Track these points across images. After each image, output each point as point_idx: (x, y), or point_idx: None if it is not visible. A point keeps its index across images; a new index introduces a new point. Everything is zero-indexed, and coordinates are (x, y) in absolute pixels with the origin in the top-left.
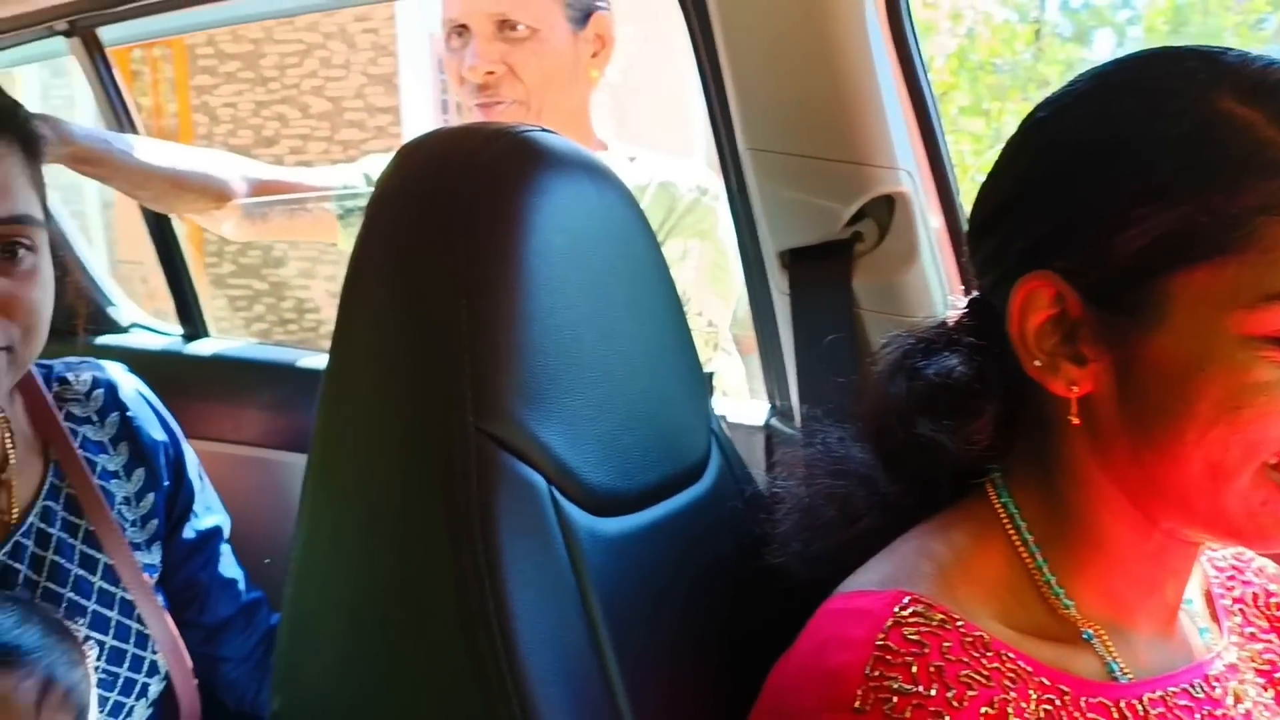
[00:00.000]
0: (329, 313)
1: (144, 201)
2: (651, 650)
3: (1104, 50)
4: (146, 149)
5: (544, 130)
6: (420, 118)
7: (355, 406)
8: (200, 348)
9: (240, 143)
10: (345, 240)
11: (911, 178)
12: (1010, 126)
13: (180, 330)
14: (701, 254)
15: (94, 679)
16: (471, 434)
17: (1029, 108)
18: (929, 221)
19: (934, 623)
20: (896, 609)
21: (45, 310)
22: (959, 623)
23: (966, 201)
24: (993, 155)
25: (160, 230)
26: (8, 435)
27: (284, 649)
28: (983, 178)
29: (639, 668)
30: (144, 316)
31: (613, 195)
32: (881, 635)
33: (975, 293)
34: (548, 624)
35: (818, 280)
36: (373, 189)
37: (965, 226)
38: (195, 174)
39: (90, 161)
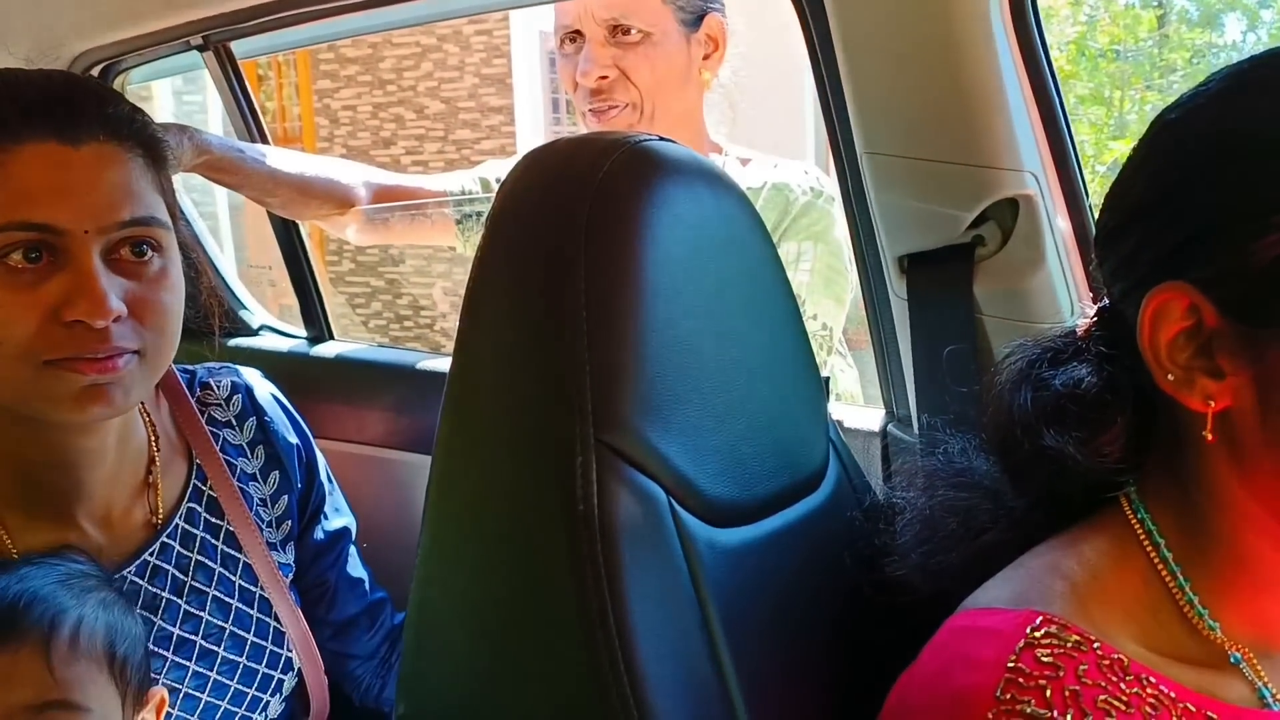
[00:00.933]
0: (442, 309)
1: (272, 208)
2: (769, 662)
3: (1233, 35)
4: (276, 158)
5: (661, 139)
6: (532, 117)
7: (477, 415)
8: (325, 350)
9: (359, 144)
10: (463, 244)
11: (1037, 180)
12: (1132, 115)
13: (305, 333)
14: (815, 256)
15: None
16: (591, 445)
17: (1153, 96)
18: (1056, 225)
19: (1068, 644)
20: (1029, 629)
21: (176, 313)
22: (1095, 644)
23: (1096, 202)
24: (1115, 146)
25: (287, 236)
26: (154, 439)
27: (409, 653)
28: (1104, 169)
29: (757, 680)
30: (273, 319)
31: (730, 202)
32: (1013, 657)
33: (1105, 300)
34: (666, 635)
35: (937, 286)
36: (490, 194)
37: (1094, 230)
38: (320, 181)
39: (224, 170)
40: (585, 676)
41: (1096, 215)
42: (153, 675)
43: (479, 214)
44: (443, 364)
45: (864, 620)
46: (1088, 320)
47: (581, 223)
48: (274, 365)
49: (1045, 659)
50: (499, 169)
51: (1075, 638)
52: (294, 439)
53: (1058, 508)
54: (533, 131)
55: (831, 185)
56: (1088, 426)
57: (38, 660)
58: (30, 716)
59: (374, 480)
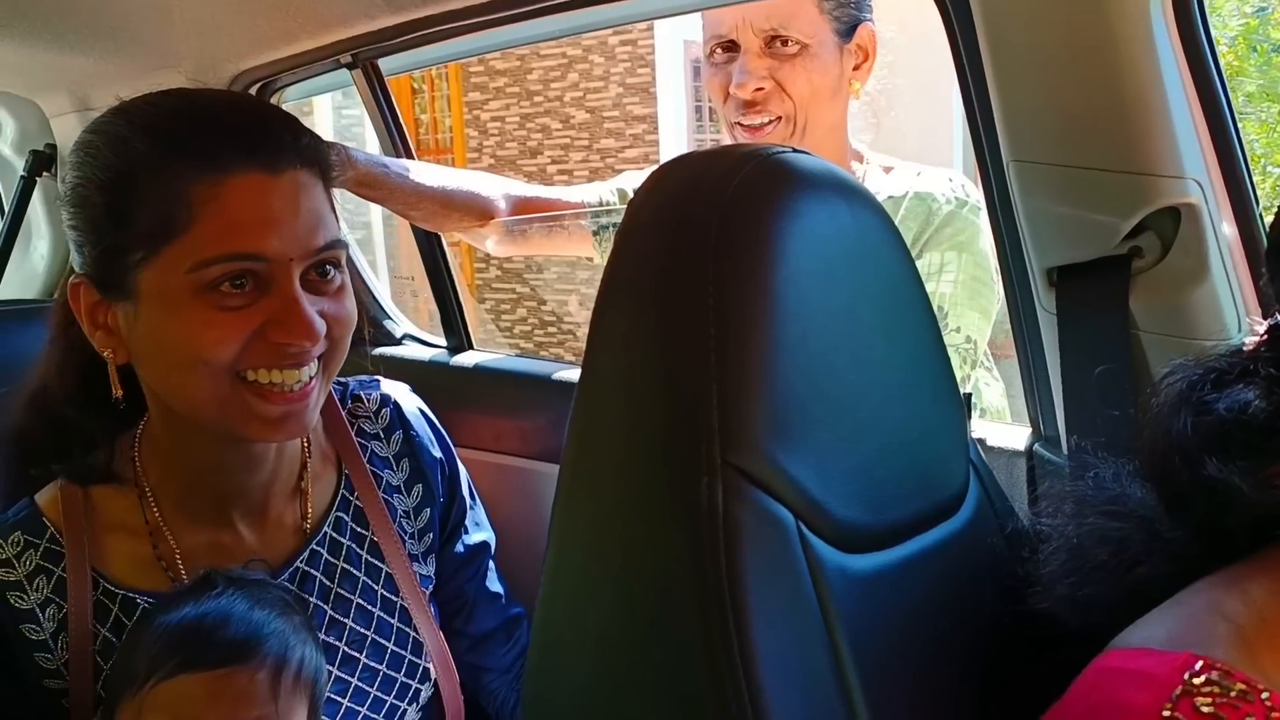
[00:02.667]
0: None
1: (415, 221)
2: (900, 696)
3: None
4: (419, 172)
5: (796, 150)
6: (675, 125)
7: (602, 433)
8: (464, 359)
9: (507, 154)
10: (600, 255)
11: (1200, 186)
12: None
13: (446, 342)
14: (960, 267)
15: (360, 684)
16: (718, 467)
17: None
18: (1221, 233)
19: (1232, 693)
20: (1186, 675)
21: (354, 322)
22: (1263, 694)
23: (1269, 206)
24: None
25: (429, 247)
26: (307, 445)
27: (532, 673)
28: (1278, 170)
29: (886, 715)
30: (415, 329)
31: (866, 214)
32: (1169, 706)
33: (1277, 316)
34: (793, 663)
35: (1089, 300)
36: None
37: (1264, 241)
38: (461, 194)
39: (370, 185)
40: (708, 705)
41: (1268, 223)
42: None
43: (616, 225)
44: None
45: (1004, 655)
46: (1256, 338)
47: (712, 236)
48: (415, 374)
49: (1205, 708)
50: (637, 179)
51: (1240, 686)
52: (438, 453)
53: (1220, 542)
54: (675, 140)
55: (979, 194)
56: (1255, 455)
57: (270, 686)
58: None
59: (509, 490)
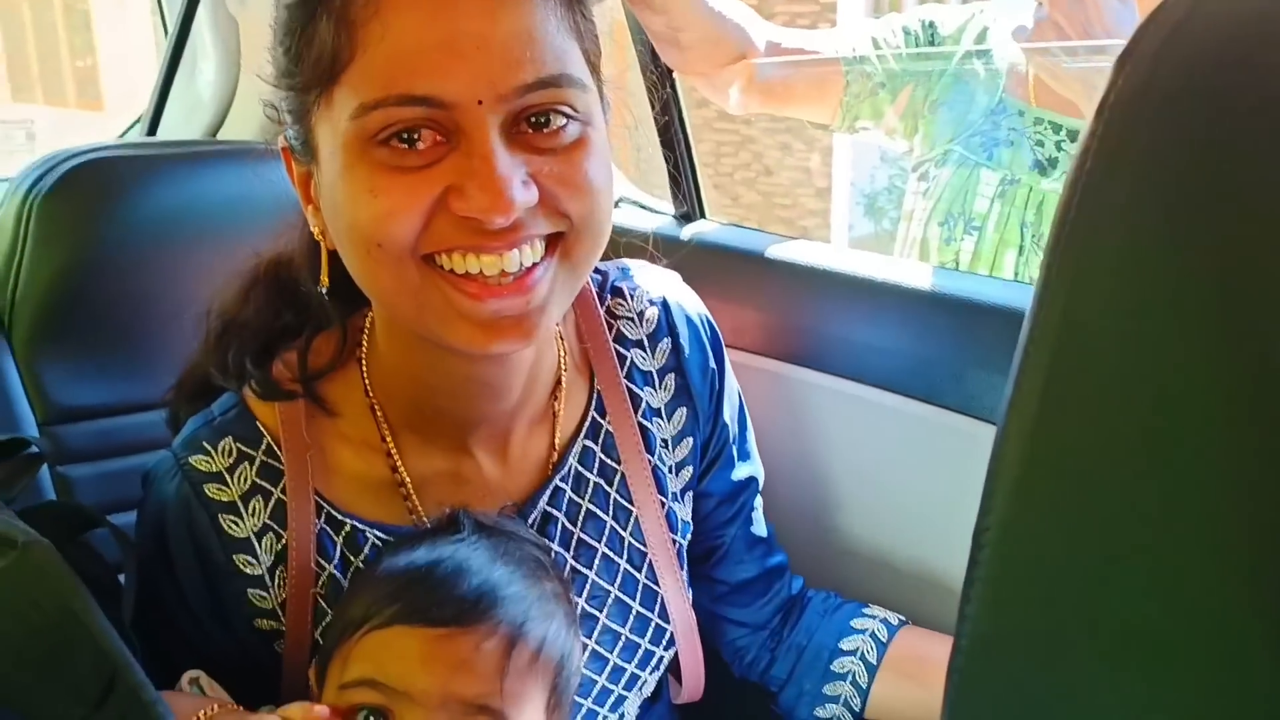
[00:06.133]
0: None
1: (668, 55)
2: None
3: None
4: None
5: None
6: None
7: (1095, 399)
8: (695, 230)
9: None
10: (841, 119)
11: None
12: None
13: (673, 209)
14: None
15: (598, 648)
16: None
17: None
18: None
19: None
20: None
21: (605, 190)
22: None
23: None
24: None
25: (660, 86)
26: (563, 355)
27: (965, 683)
28: None
29: None
30: (634, 191)
31: None
32: None
33: None
34: None
35: None
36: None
37: None
38: (730, 23)
39: (646, 3)
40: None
41: None
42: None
43: (880, 84)
44: (839, 258)
45: None
46: None
47: None
48: (631, 250)
49: None
50: (941, 15)
51: None
52: (712, 365)
53: None
54: None
55: None
56: None
57: (498, 661)
58: (463, 711)
59: (754, 397)
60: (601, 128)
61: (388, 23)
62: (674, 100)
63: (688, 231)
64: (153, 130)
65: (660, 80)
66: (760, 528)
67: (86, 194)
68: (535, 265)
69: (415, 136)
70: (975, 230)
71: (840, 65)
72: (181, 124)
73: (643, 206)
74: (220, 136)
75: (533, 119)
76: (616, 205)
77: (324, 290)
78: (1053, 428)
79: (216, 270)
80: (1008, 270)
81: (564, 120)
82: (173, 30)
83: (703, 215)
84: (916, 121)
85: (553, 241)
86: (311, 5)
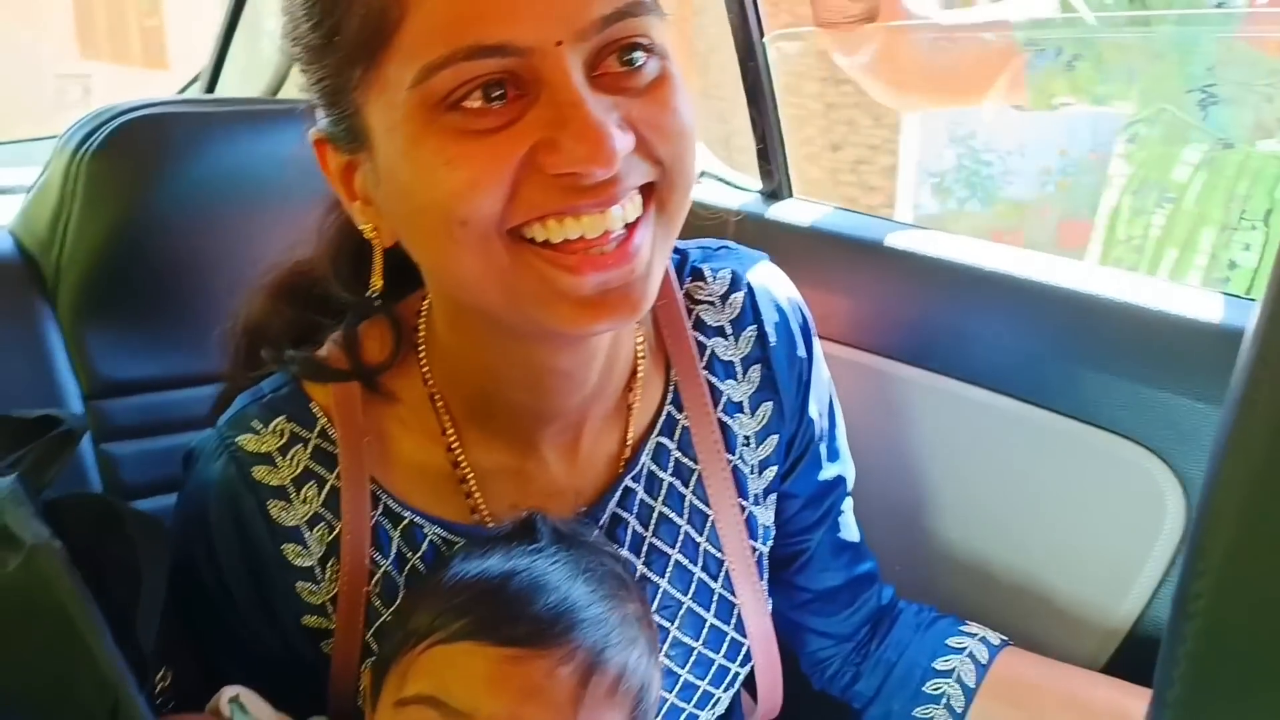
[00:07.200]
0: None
1: None
2: None
3: None
4: None
5: None
6: None
7: None
8: (783, 211)
9: None
10: (1036, 96)
11: None
12: None
13: (760, 186)
14: None
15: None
16: None
17: None
18: None
19: None
20: None
21: (692, 132)
22: None
23: None
24: None
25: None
26: (640, 341)
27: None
28: None
29: None
30: (718, 165)
31: None
32: None
33: None
34: None
35: None
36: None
37: None
38: None
39: None
40: None
41: None
42: None
43: (1075, 56)
44: (942, 244)
45: None
46: None
47: None
48: (713, 229)
49: None
50: None
51: None
52: (801, 354)
53: None
54: None
55: None
56: None
57: (573, 690)
58: None
59: (844, 390)
60: (677, 59)
61: None
62: (764, 67)
63: (775, 211)
64: (211, 88)
65: (744, 34)
66: (849, 532)
67: (138, 152)
68: (637, 223)
69: (491, 93)
70: (1170, 201)
71: (1012, 35)
72: (240, 82)
73: (726, 182)
74: (282, 96)
75: (612, 57)
76: (697, 180)
77: (375, 295)
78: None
79: (276, 236)
80: (1203, 251)
81: (643, 56)
82: None
83: (791, 194)
84: (1130, 78)
85: (645, 194)
86: None
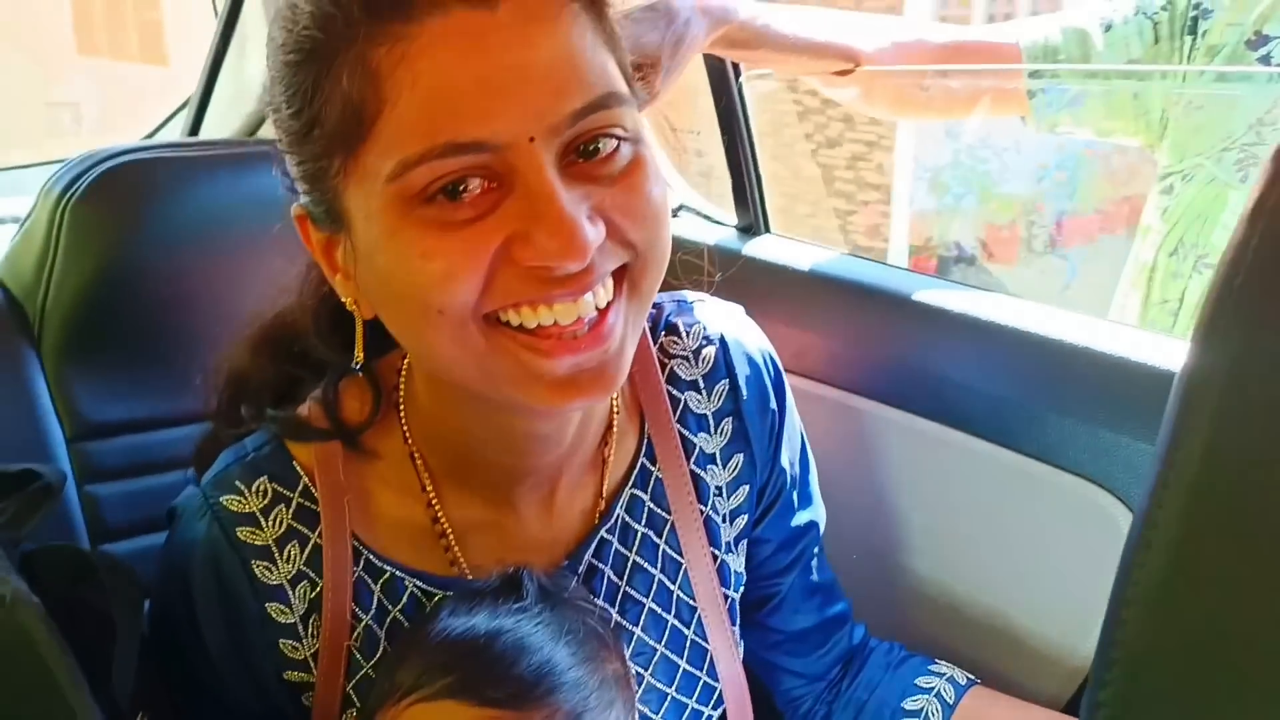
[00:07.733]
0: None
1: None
2: None
3: None
4: (792, 23)
5: None
6: None
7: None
8: (759, 247)
9: None
10: (1038, 119)
11: None
12: None
13: (736, 221)
14: None
15: (643, 708)
16: None
17: None
18: None
19: None
20: None
21: (665, 214)
22: None
23: None
24: None
25: (725, 93)
26: (616, 399)
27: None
28: None
29: None
30: (696, 199)
31: None
32: None
33: None
34: None
35: None
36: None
37: None
38: (834, 47)
39: (741, 44)
40: None
41: None
42: None
43: (1080, 91)
44: (915, 284)
45: None
46: None
47: None
48: (692, 262)
49: None
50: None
51: None
52: (772, 405)
53: None
54: None
55: None
56: None
57: None
58: None
59: (815, 427)
60: (650, 141)
61: (417, 68)
62: (739, 104)
63: (751, 247)
64: (195, 130)
65: (719, 74)
66: (820, 574)
67: (122, 198)
68: (609, 307)
69: (462, 188)
70: (1208, 268)
71: (1021, 73)
72: (224, 113)
73: (705, 216)
74: (263, 134)
75: (583, 147)
76: (675, 214)
77: (358, 365)
78: (1209, 509)
79: (259, 278)
80: None
81: (615, 143)
82: (220, 20)
83: (767, 229)
84: (1164, 125)
85: (618, 276)
86: (323, 59)
